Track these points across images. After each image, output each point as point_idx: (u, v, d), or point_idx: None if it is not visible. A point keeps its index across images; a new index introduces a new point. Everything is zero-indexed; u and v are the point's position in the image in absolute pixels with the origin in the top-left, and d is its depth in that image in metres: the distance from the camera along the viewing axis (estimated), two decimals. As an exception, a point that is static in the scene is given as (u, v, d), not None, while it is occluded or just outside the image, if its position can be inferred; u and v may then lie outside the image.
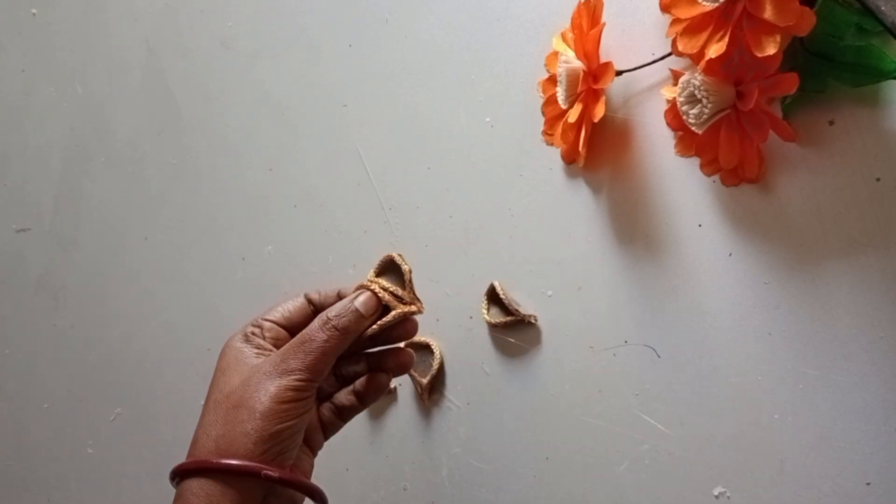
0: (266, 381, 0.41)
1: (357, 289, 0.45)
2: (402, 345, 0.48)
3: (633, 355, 0.51)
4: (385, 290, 0.44)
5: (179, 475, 0.41)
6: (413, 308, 0.45)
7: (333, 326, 0.42)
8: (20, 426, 0.77)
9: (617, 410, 0.51)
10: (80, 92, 0.77)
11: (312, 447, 0.46)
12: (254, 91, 0.67)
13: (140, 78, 0.73)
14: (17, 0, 0.81)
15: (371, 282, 0.45)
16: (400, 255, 0.46)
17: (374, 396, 0.47)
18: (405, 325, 0.46)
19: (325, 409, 0.47)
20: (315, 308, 0.46)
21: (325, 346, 0.42)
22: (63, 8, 0.78)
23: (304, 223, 0.64)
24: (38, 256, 0.78)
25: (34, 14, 0.80)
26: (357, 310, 0.43)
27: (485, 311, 0.55)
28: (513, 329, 0.55)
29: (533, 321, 0.54)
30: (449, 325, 0.58)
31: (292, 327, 0.46)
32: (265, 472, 0.40)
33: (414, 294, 0.46)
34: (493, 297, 0.55)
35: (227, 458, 0.40)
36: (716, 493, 0.48)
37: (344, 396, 0.47)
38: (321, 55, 0.64)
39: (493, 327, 0.55)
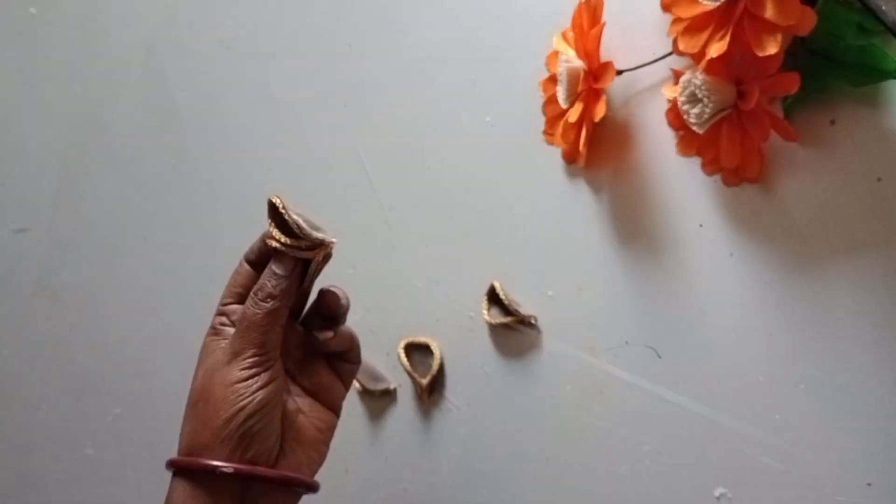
0: (220, 369, 0.40)
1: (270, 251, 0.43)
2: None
3: (633, 356, 0.51)
4: (286, 244, 0.42)
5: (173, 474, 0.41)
6: (323, 246, 0.43)
7: (260, 299, 0.41)
8: (19, 426, 0.77)
9: (618, 411, 0.51)
10: (80, 92, 0.77)
11: (331, 402, 0.45)
12: (254, 91, 0.67)
13: (139, 78, 0.73)
14: (17, 0, 0.80)
15: (271, 238, 0.42)
16: (278, 198, 0.42)
17: (328, 305, 0.45)
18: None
19: (332, 355, 0.46)
20: (254, 266, 0.44)
21: (263, 320, 0.41)
22: (63, 8, 0.78)
23: (303, 223, 0.64)
24: (37, 257, 0.77)
25: (34, 14, 0.80)
26: (275, 273, 0.42)
27: (485, 312, 0.55)
28: (513, 329, 0.55)
29: (533, 321, 0.54)
30: (449, 325, 0.57)
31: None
32: (220, 469, 0.38)
33: (309, 229, 0.42)
34: (494, 298, 0.55)
35: (194, 454, 0.39)
36: (717, 494, 0.48)
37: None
38: (321, 55, 0.64)
39: (493, 327, 0.55)
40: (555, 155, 0.54)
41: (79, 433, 0.73)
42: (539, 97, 0.54)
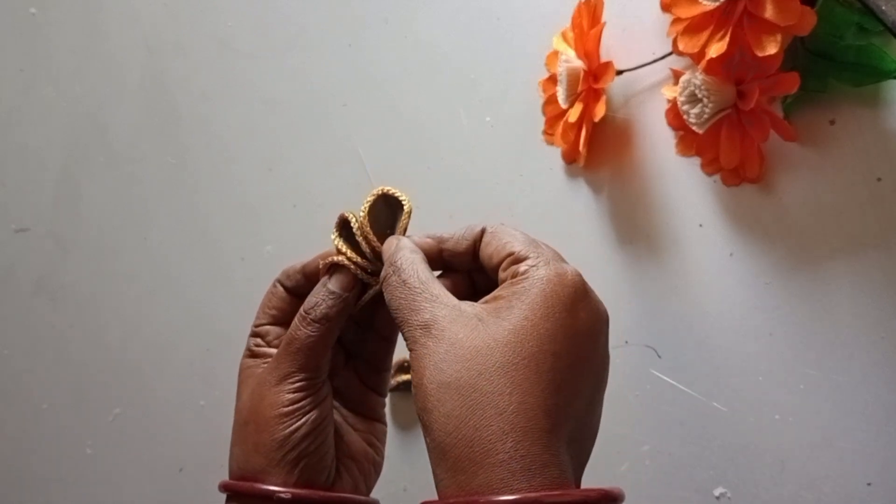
0: (266, 391, 0.39)
1: (324, 267, 0.40)
2: None
3: (633, 355, 0.51)
4: (352, 261, 0.39)
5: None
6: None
7: (312, 319, 0.39)
8: (19, 426, 0.77)
9: (617, 411, 0.51)
10: (80, 92, 0.76)
11: (371, 413, 0.43)
12: (253, 91, 0.67)
13: (139, 78, 0.73)
14: (17, 0, 0.80)
15: (338, 252, 0.40)
16: (353, 215, 0.39)
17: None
18: None
19: (359, 366, 0.44)
20: (288, 291, 0.42)
21: (311, 342, 0.39)
22: (63, 8, 0.78)
23: (303, 223, 0.64)
24: (37, 257, 0.77)
25: (34, 14, 0.80)
26: (332, 291, 0.39)
27: None
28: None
29: None
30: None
31: (287, 320, 0.43)
32: (277, 494, 0.37)
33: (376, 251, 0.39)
34: None
35: (248, 478, 0.38)
36: (716, 494, 0.48)
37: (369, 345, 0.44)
38: (321, 55, 0.64)
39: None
40: (555, 155, 0.54)
41: (79, 433, 0.73)
42: (539, 97, 0.54)
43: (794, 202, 0.46)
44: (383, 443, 0.44)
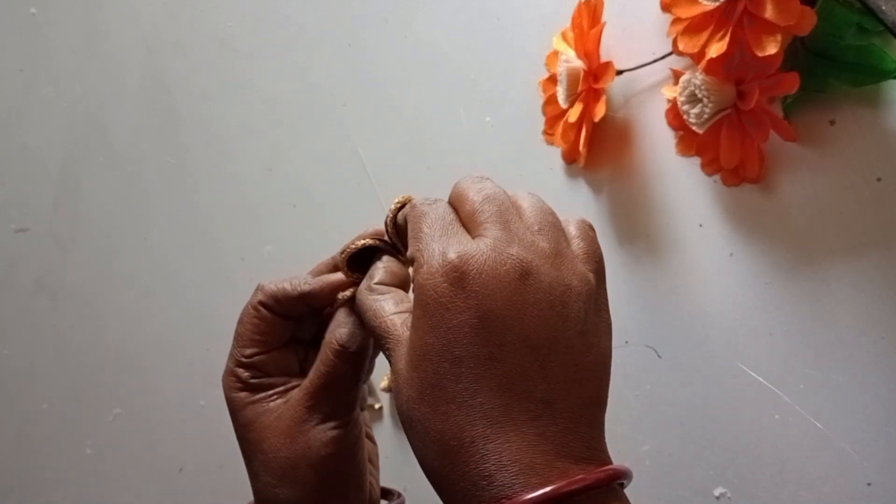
0: (309, 430, 0.37)
1: (341, 304, 0.38)
2: None
3: (633, 355, 0.51)
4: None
5: None
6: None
7: (353, 353, 0.37)
8: (19, 426, 0.77)
9: (617, 411, 0.51)
10: (80, 92, 0.76)
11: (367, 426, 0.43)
12: (253, 91, 0.67)
13: (139, 78, 0.73)
14: (17, 0, 0.80)
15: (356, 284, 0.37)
16: (374, 240, 0.37)
17: None
18: None
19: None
20: (277, 314, 0.39)
21: (350, 375, 0.37)
22: (63, 8, 0.78)
23: (303, 223, 0.64)
24: (38, 257, 0.77)
25: (34, 14, 0.80)
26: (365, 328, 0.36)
27: None
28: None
29: None
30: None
31: (280, 345, 0.40)
32: None
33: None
34: None
35: None
36: (716, 494, 0.48)
37: None
38: (321, 55, 0.64)
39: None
40: (554, 155, 0.54)
41: (79, 433, 0.73)
42: (539, 97, 0.54)
43: (794, 202, 0.46)
44: (378, 462, 0.45)
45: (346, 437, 0.38)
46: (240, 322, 0.40)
